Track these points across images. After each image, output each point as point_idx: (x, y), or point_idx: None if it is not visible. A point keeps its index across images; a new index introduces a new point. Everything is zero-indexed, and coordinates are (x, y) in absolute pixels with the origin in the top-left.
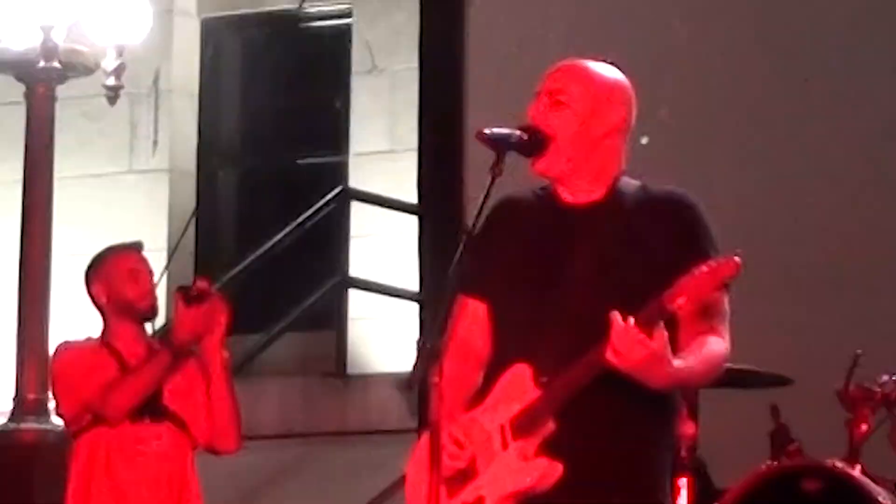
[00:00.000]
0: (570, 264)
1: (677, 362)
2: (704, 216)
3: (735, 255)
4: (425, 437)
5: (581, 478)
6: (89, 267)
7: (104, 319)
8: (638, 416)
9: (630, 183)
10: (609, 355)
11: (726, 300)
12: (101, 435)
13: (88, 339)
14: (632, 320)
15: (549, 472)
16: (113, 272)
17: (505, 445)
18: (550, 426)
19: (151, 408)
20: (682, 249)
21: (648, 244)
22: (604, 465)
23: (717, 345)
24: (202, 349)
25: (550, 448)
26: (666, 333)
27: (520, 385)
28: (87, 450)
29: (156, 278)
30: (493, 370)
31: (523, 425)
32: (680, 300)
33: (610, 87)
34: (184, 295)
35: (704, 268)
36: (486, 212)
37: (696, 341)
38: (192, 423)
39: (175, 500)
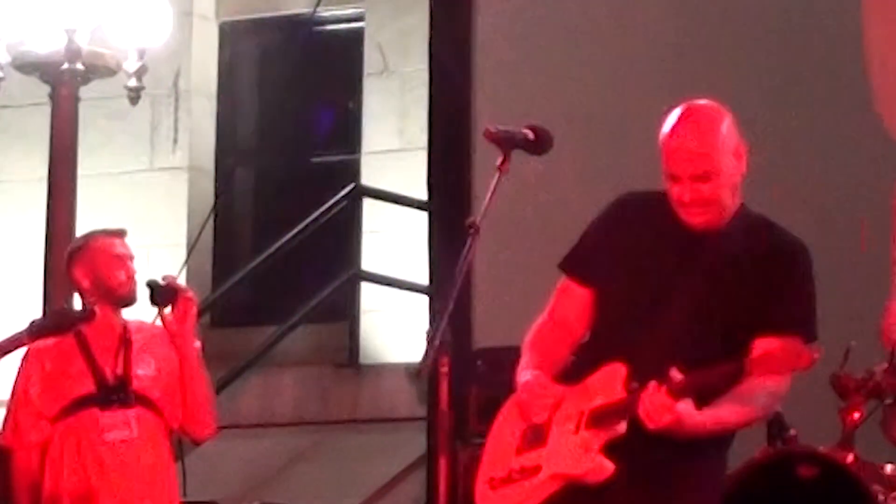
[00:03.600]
0: (681, 285)
1: (708, 413)
2: (812, 275)
3: (816, 350)
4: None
5: (629, 485)
6: (73, 250)
7: (82, 302)
8: (696, 444)
9: (750, 215)
10: (641, 415)
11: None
12: (70, 425)
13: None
14: (663, 388)
15: (600, 469)
16: (97, 257)
17: (577, 430)
18: (621, 429)
19: (120, 394)
20: (781, 307)
21: (755, 287)
22: (653, 481)
23: (769, 388)
24: (175, 340)
25: (612, 449)
26: (690, 406)
27: (612, 382)
28: (58, 441)
29: (175, 272)
30: (591, 357)
31: (599, 419)
32: (747, 377)
33: (730, 134)
34: (153, 294)
35: (780, 354)
36: (608, 205)
37: (746, 384)
38: (165, 407)
39: (149, 484)
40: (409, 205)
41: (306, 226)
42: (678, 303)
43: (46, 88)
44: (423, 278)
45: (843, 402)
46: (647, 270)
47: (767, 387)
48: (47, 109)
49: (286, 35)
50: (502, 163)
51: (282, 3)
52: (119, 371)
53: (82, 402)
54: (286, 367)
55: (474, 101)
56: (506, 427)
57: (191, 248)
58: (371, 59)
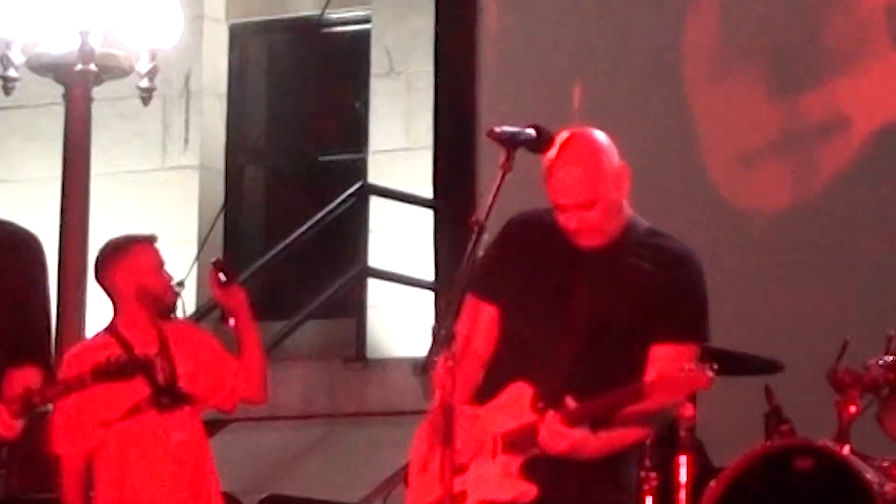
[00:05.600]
0: (575, 302)
1: (604, 438)
2: (702, 280)
3: (712, 370)
4: (428, 420)
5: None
6: (110, 254)
7: (118, 306)
8: (610, 460)
9: (639, 228)
10: (540, 442)
11: None
12: (131, 428)
13: (96, 336)
14: (558, 416)
15: (524, 493)
16: (141, 263)
17: (494, 454)
18: (536, 450)
19: (173, 395)
20: (673, 315)
21: (646, 298)
22: (572, 499)
23: (664, 406)
24: (240, 311)
25: (531, 470)
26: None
27: (519, 403)
28: (117, 445)
29: (186, 269)
30: (498, 376)
31: (513, 443)
32: (645, 400)
33: (609, 160)
34: (227, 270)
35: (678, 376)
36: (503, 226)
37: (643, 405)
38: (213, 395)
39: (200, 479)
40: (414, 202)
41: (315, 223)
42: (574, 319)
43: (60, 89)
44: (429, 274)
45: (839, 396)
46: (542, 289)
47: (663, 405)
48: (61, 110)
49: (295, 37)
50: (505, 161)
51: (290, 5)
52: (167, 372)
53: (140, 406)
54: (295, 362)
55: (479, 101)
56: (425, 453)
57: (201, 245)
58: (378, 60)
